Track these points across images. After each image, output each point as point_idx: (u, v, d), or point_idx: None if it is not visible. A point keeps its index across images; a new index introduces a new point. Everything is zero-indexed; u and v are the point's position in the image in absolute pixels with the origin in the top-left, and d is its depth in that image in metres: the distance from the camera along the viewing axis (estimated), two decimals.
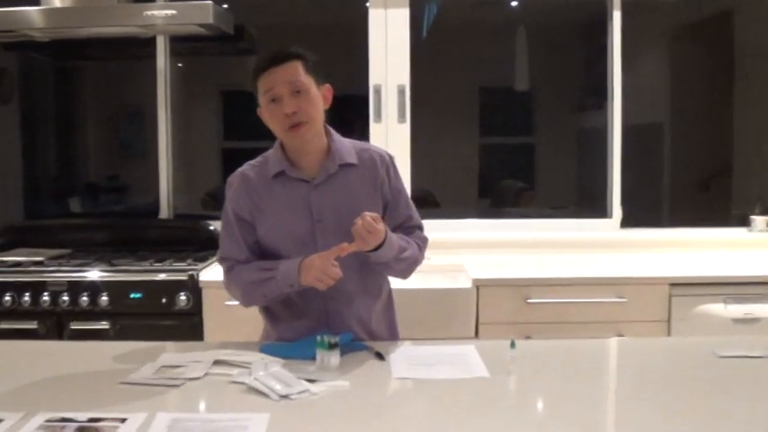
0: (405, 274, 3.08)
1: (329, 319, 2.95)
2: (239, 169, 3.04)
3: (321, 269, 2.73)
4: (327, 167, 2.94)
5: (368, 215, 2.72)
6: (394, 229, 2.99)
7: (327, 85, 2.94)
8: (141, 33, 5.05)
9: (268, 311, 3.08)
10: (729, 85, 5.70)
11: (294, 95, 2.81)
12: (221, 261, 3.06)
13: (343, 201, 2.92)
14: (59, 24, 4.69)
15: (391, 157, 3.11)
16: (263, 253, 2.99)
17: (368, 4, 5.24)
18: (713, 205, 5.78)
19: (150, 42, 5.33)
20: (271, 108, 2.84)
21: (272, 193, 2.94)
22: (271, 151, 3.02)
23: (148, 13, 4.56)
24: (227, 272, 3.02)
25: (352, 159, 2.98)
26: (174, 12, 4.54)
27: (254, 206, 2.95)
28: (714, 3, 5.67)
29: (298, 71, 2.82)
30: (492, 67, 5.90)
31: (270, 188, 2.95)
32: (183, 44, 5.45)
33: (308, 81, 2.84)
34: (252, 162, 3.05)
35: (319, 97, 2.89)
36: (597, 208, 5.45)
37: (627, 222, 5.35)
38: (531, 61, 5.74)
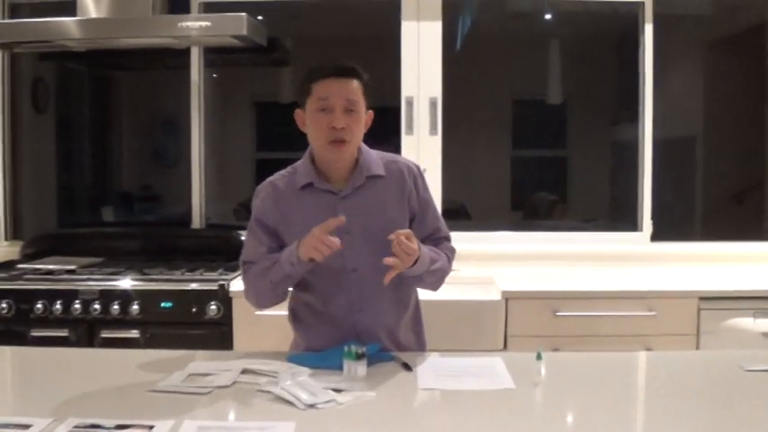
0: (435, 285, 3.09)
1: (357, 330, 2.94)
2: (269, 179, 3.06)
3: (318, 238, 2.70)
4: (355, 179, 2.95)
5: (401, 234, 2.71)
6: (422, 241, 2.98)
7: (371, 112, 2.95)
8: (176, 45, 5.08)
9: (296, 320, 3.10)
10: (763, 98, 5.67)
11: (347, 112, 2.82)
12: (243, 264, 3.06)
13: (371, 212, 2.94)
14: (95, 35, 4.73)
15: (419, 169, 3.11)
16: None
17: (401, 17, 5.25)
18: (745, 219, 5.75)
19: (185, 53, 5.36)
20: (318, 116, 2.84)
21: (300, 204, 2.95)
22: (300, 162, 3.03)
23: (183, 24, 4.59)
24: (246, 273, 3.04)
25: (380, 171, 2.99)
26: (208, 23, 4.58)
27: (282, 216, 2.97)
28: (748, 15, 5.65)
29: (357, 90, 2.85)
30: (525, 80, 5.92)
31: (298, 199, 2.96)
32: (217, 55, 5.48)
33: (361, 103, 2.87)
34: (282, 172, 3.06)
35: (364, 120, 2.91)
36: (629, 221, 5.43)
37: (660, 236, 5.33)
38: (564, 74, 5.74)
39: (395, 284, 2.91)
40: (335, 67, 2.85)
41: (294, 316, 3.11)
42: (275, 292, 2.97)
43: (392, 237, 2.71)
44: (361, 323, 2.95)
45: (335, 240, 2.71)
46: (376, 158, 3.02)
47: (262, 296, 3.03)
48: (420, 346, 3.16)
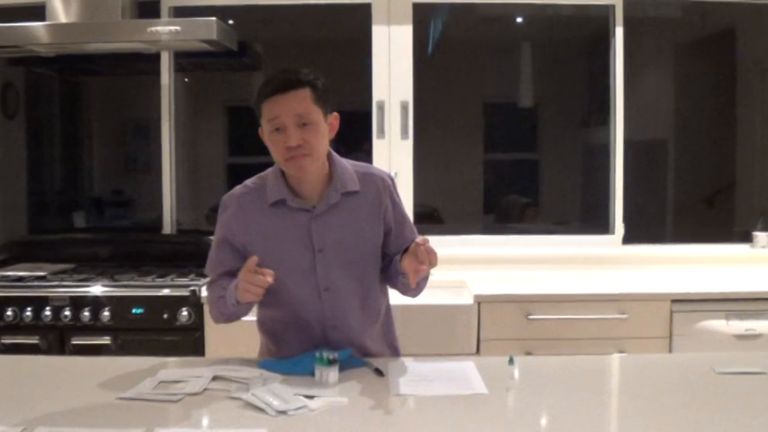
0: (421, 292, 3.06)
1: (329, 344, 2.86)
2: (236, 191, 2.98)
3: (245, 281, 2.66)
4: (329, 196, 2.86)
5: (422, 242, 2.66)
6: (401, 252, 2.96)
7: (335, 114, 2.85)
8: (146, 49, 5.05)
9: (266, 330, 3.06)
10: (732, 101, 5.71)
11: (300, 127, 2.70)
12: (208, 269, 3.04)
13: (345, 230, 2.88)
14: (64, 40, 4.70)
15: (392, 179, 3.05)
16: None
17: (371, 21, 5.24)
18: (716, 221, 5.79)
19: (155, 58, 5.33)
20: (274, 137, 2.74)
21: (272, 221, 2.88)
22: (269, 173, 2.94)
23: (152, 29, 4.57)
24: (209, 285, 3.02)
25: (355, 186, 2.90)
26: (177, 28, 4.55)
27: (251, 235, 2.89)
28: (717, 19, 5.68)
29: (306, 101, 2.72)
30: (497, 83, 5.93)
31: (268, 215, 2.88)
32: (187, 60, 5.46)
33: (315, 112, 2.73)
34: (249, 184, 2.98)
35: (325, 128, 2.79)
36: (600, 224, 5.44)
37: (632, 238, 5.35)
38: (535, 77, 5.76)
39: (363, 299, 2.91)
40: (279, 83, 2.72)
41: (263, 326, 3.08)
42: (225, 318, 2.93)
43: (420, 240, 2.64)
44: (332, 339, 2.89)
45: (264, 277, 2.63)
46: (350, 171, 2.93)
47: (215, 317, 2.98)
48: (393, 353, 3.13)
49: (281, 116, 2.70)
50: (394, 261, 2.93)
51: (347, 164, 2.96)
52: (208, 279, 3.03)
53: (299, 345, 2.90)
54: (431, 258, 2.65)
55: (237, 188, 2.99)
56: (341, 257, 2.86)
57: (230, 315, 2.89)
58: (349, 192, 2.89)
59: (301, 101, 2.71)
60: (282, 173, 2.88)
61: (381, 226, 2.96)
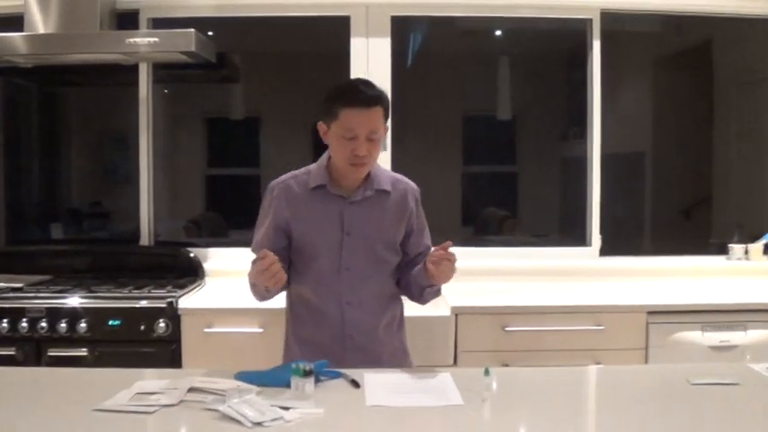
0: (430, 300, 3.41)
1: (345, 324, 3.18)
2: (282, 177, 3.31)
3: (263, 277, 2.94)
4: (365, 190, 3.22)
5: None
6: (416, 257, 3.36)
7: (386, 125, 3.15)
8: (124, 60, 5.03)
9: (293, 314, 3.36)
10: (709, 114, 5.74)
11: (369, 140, 3.05)
12: (253, 248, 3.27)
13: (372, 220, 3.23)
14: (42, 51, 4.68)
15: (418, 192, 3.42)
16: (301, 251, 3.25)
17: (350, 33, 5.24)
18: (693, 234, 5.81)
19: (134, 69, 5.32)
20: (342, 142, 3.06)
21: (311, 204, 3.22)
22: (314, 165, 3.29)
23: (131, 40, 4.57)
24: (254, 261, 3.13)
25: (387, 187, 3.27)
26: (156, 39, 4.55)
27: (292, 215, 3.22)
28: (694, 32, 5.71)
29: (379, 119, 3.08)
30: (476, 96, 5.94)
31: (308, 198, 3.22)
32: (166, 71, 5.45)
33: (383, 128, 3.11)
34: (295, 172, 3.31)
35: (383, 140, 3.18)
36: (578, 236, 5.45)
37: (609, 250, 5.36)
38: (514, 90, 5.77)
39: (379, 286, 3.26)
40: (365, 97, 3.04)
41: (291, 308, 3.37)
42: (258, 297, 3.24)
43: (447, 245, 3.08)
44: (348, 318, 3.20)
45: (270, 264, 2.90)
46: (386, 175, 3.32)
47: (258, 300, 3.27)
48: (404, 354, 3.42)
49: (357, 129, 3.04)
50: (414, 276, 3.29)
51: (383, 169, 3.37)
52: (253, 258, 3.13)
53: (319, 326, 3.24)
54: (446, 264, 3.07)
55: (284, 176, 3.33)
56: (365, 244, 3.21)
57: (267, 297, 3.20)
58: (381, 190, 3.26)
59: (376, 119, 3.07)
60: (327, 165, 3.24)
61: (404, 226, 3.33)
